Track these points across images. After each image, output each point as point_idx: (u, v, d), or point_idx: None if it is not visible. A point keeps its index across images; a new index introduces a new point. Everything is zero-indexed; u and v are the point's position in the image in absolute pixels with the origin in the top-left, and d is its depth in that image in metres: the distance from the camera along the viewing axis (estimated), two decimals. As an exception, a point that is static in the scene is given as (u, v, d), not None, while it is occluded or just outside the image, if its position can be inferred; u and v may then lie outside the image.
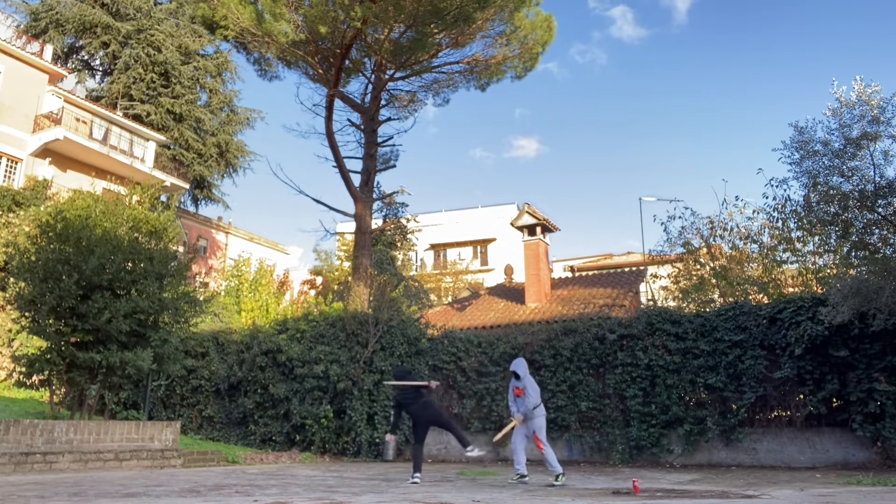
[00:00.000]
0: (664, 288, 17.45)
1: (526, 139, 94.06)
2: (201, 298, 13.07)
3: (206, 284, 31.54)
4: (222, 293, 28.77)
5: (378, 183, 21.85)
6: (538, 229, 18.65)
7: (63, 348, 10.36)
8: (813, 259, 14.75)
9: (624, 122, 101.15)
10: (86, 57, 34.11)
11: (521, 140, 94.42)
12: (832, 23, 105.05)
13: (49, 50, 28.46)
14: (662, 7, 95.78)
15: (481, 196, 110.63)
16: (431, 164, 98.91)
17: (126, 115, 30.24)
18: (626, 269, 22.62)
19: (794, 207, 13.52)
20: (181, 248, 26.02)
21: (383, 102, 19.56)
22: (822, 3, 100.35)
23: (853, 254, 10.34)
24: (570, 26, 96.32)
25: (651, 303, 17.92)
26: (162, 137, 31.07)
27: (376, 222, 23.05)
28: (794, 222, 14.34)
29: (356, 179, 18.56)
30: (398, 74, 18.78)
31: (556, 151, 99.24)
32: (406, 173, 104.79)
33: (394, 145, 21.94)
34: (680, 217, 17.07)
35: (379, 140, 19.14)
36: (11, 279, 11.12)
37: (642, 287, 20.17)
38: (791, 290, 14.54)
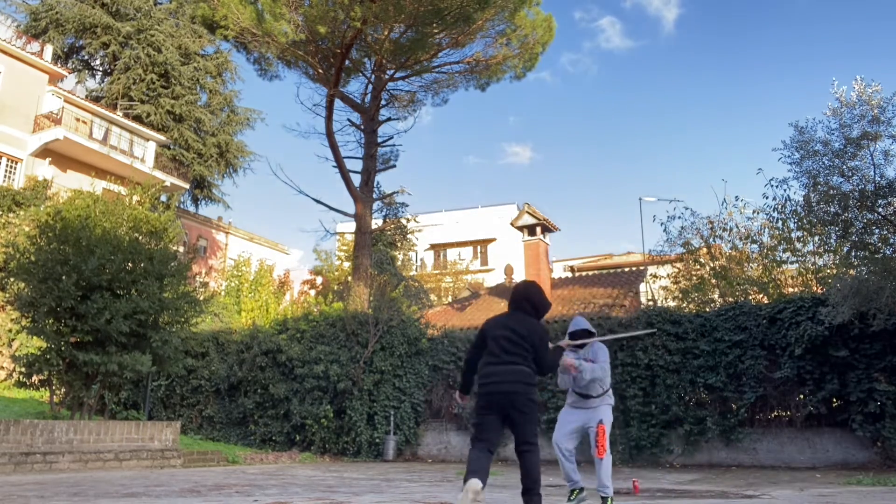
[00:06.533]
0: (664, 288, 17.44)
1: (519, 146, 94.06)
2: (201, 298, 13.06)
3: (206, 284, 31.51)
4: (222, 293, 28.78)
5: (378, 183, 21.85)
6: (538, 229, 18.64)
7: (62, 349, 10.35)
8: (813, 259, 14.74)
9: (620, 126, 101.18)
10: (86, 57, 34.12)
11: (514, 147, 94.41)
12: (831, 25, 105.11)
13: (49, 50, 28.45)
14: (650, 19, 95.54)
15: (481, 197, 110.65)
16: (428, 169, 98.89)
17: (126, 116, 30.24)
18: (626, 269, 22.60)
19: (794, 207, 13.49)
20: (181, 248, 26.01)
21: (383, 102, 19.55)
22: (819, 5, 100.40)
23: (853, 254, 10.32)
24: (560, 35, 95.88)
25: (651, 303, 17.90)
26: (162, 137, 31.07)
27: (376, 222, 23.04)
28: (794, 222, 14.31)
29: (356, 179, 18.55)
30: (398, 74, 18.78)
31: (550, 158, 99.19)
32: (405, 175, 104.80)
33: (394, 145, 21.91)
34: (680, 217, 17.04)
35: (379, 140, 19.13)
36: (11, 279, 11.10)
37: (642, 287, 20.15)
38: (791, 290, 14.53)
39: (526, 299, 4.46)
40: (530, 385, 4.15)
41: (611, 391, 5.89)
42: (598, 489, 5.41)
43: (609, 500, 5.34)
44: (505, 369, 4.13)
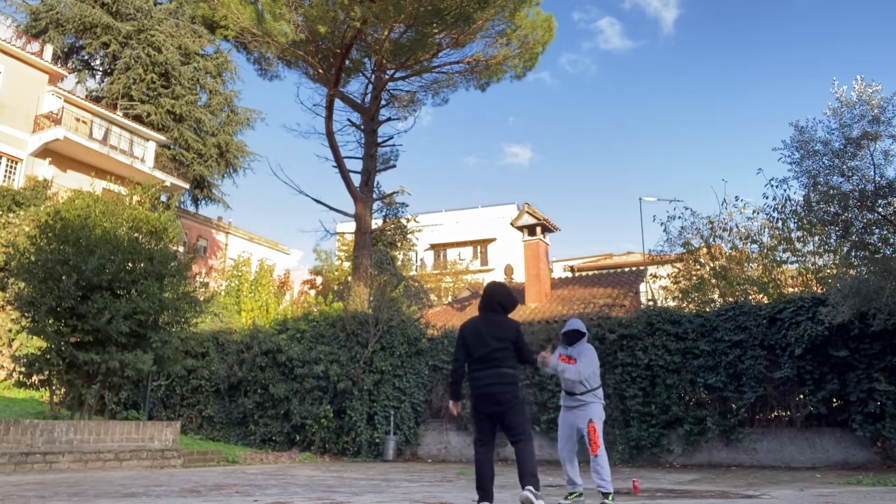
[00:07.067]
0: (664, 288, 17.44)
1: (519, 146, 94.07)
2: (201, 298, 13.06)
3: (206, 284, 31.53)
4: (222, 293, 28.77)
5: (378, 183, 21.78)
6: (538, 229, 18.64)
7: (63, 348, 10.35)
8: (813, 259, 14.74)
9: (619, 126, 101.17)
10: (86, 57, 34.11)
11: (514, 147, 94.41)
12: (831, 25, 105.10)
13: (49, 50, 28.44)
14: (649, 19, 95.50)
15: (481, 197, 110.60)
16: (428, 169, 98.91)
17: (126, 116, 30.23)
18: (626, 269, 22.60)
19: (794, 207, 13.51)
20: (181, 248, 26.00)
21: (383, 102, 19.55)
22: (818, 5, 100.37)
23: (853, 254, 10.32)
24: (559, 36, 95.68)
25: (651, 303, 17.91)
26: (162, 137, 31.07)
27: (376, 222, 23.02)
28: (794, 222, 14.32)
29: (356, 179, 18.55)
30: (398, 74, 18.78)
31: (549, 158, 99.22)
32: (405, 175, 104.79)
33: (394, 145, 21.93)
34: (680, 217, 17.05)
35: (379, 140, 19.13)
36: (11, 279, 11.11)
37: (642, 287, 20.16)
38: (791, 290, 14.53)
39: (496, 302, 4.82)
40: (514, 385, 4.52)
41: (600, 389, 6.04)
42: (598, 486, 5.43)
43: (610, 496, 5.35)
44: (491, 373, 4.52)
